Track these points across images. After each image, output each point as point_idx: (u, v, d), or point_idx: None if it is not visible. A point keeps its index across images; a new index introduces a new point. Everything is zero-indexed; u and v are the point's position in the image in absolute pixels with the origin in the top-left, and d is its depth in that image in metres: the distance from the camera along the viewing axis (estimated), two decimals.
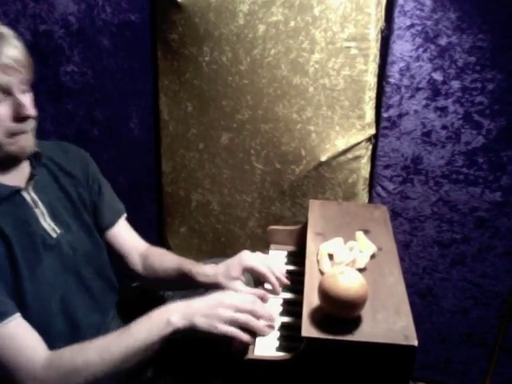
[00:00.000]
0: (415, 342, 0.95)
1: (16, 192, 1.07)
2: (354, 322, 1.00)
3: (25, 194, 1.09)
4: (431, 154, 1.66)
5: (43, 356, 0.97)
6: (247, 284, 1.26)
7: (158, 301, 1.37)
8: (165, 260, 1.31)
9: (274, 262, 1.30)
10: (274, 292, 1.23)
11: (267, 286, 1.24)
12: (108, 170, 1.26)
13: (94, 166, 1.28)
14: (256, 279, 1.29)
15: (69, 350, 0.99)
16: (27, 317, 1.00)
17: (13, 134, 1.02)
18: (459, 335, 1.85)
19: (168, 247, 2.01)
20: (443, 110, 1.60)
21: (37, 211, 1.10)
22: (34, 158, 1.13)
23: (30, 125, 1.06)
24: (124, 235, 1.32)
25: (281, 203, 1.79)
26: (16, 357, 0.95)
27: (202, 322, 1.00)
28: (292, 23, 1.56)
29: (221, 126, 1.77)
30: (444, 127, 1.62)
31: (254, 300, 1.09)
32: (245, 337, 1.03)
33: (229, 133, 1.77)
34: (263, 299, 1.18)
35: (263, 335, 1.07)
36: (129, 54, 1.69)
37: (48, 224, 1.11)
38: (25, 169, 1.12)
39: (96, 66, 1.59)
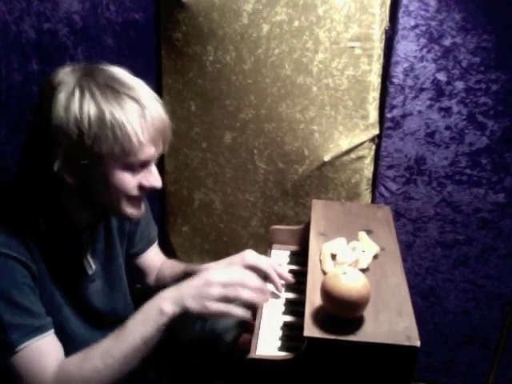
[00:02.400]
0: (417, 343, 0.95)
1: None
2: (357, 323, 1.00)
3: (83, 236, 1.09)
4: (435, 154, 1.65)
5: (54, 369, 0.97)
6: None
7: None
8: (173, 268, 1.33)
9: (278, 263, 1.30)
10: (275, 290, 1.23)
11: (269, 286, 1.24)
12: None
13: None
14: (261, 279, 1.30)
15: (74, 359, 0.99)
16: (58, 336, 1.01)
17: (132, 200, 1.01)
18: (462, 336, 1.85)
19: (170, 246, 2.01)
20: (447, 111, 1.60)
21: (84, 249, 1.10)
22: None
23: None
24: (149, 260, 1.34)
25: (284, 203, 1.79)
26: (30, 370, 0.95)
27: (193, 305, 0.97)
28: (296, 23, 1.56)
29: (224, 125, 1.77)
30: (448, 128, 1.62)
31: (243, 272, 1.06)
32: (238, 311, 1.00)
33: (232, 132, 1.77)
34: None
35: (257, 304, 1.06)
36: (133, 53, 1.69)
37: (87, 261, 1.11)
38: None
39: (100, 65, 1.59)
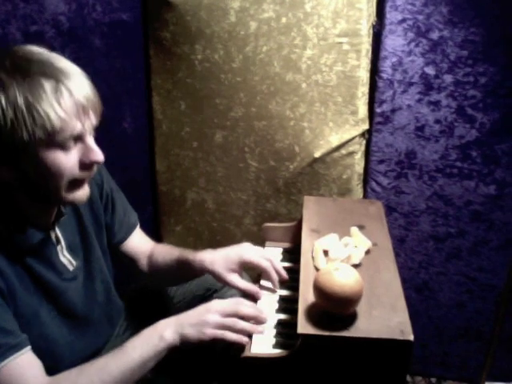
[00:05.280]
0: (411, 337, 0.95)
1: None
2: (350, 318, 1.00)
3: (51, 233, 1.05)
4: (425, 148, 1.66)
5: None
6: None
7: (162, 297, 1.40)
8: (166, 254, 1.32)
9: (274, 256, 1.32)
10: (272, 288, 1.24)
11: (263, 282, 1.25)
12: None
13: (108, 182, 1.23)
14: (255, 275, 1.30)
15: (67, 374, 0.98)
16: (40, 343, 1.00)
17: (74, 182, 0.95)
18: (456, 329, 1.86)
19: None
20: (436, 105, 1.60)
21: (58, 247, 1.07)
22: None
23: (94, 170, 1.00)
24: (135, 245, 1.32)
25: (276, 200, 1.79)
26: None
27: (191, 332, 1.02)
28: (284, 20, 1.56)
29: (214, 124, 1.77)
30: (437, 121, 1.62)
31: (239, 302, 1.10)
32: (234, 337, 1.04)
33: (223, 131, 1.77)
34: (256, 296, 1.20)
35: (253, 334, 1.08)
36: (121, 54, 1.69)
37: (66, 258, 1.09)
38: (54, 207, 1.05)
39: (88, 66, 1.57)
